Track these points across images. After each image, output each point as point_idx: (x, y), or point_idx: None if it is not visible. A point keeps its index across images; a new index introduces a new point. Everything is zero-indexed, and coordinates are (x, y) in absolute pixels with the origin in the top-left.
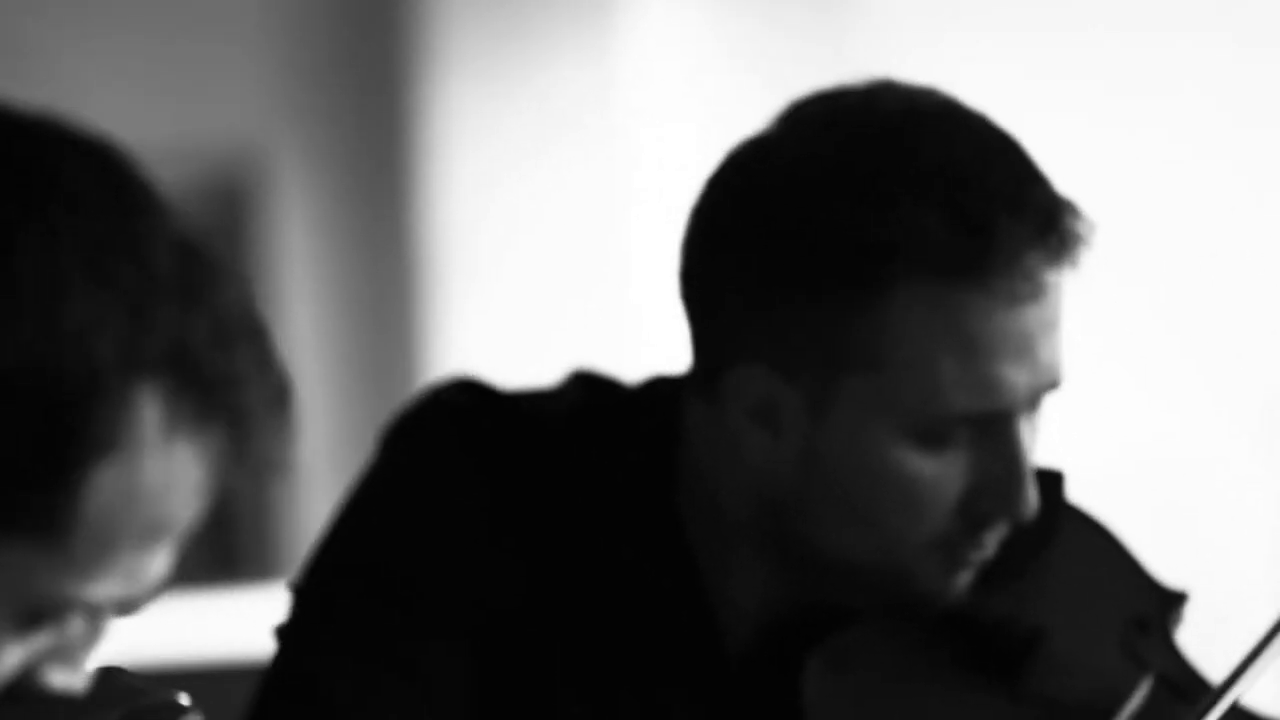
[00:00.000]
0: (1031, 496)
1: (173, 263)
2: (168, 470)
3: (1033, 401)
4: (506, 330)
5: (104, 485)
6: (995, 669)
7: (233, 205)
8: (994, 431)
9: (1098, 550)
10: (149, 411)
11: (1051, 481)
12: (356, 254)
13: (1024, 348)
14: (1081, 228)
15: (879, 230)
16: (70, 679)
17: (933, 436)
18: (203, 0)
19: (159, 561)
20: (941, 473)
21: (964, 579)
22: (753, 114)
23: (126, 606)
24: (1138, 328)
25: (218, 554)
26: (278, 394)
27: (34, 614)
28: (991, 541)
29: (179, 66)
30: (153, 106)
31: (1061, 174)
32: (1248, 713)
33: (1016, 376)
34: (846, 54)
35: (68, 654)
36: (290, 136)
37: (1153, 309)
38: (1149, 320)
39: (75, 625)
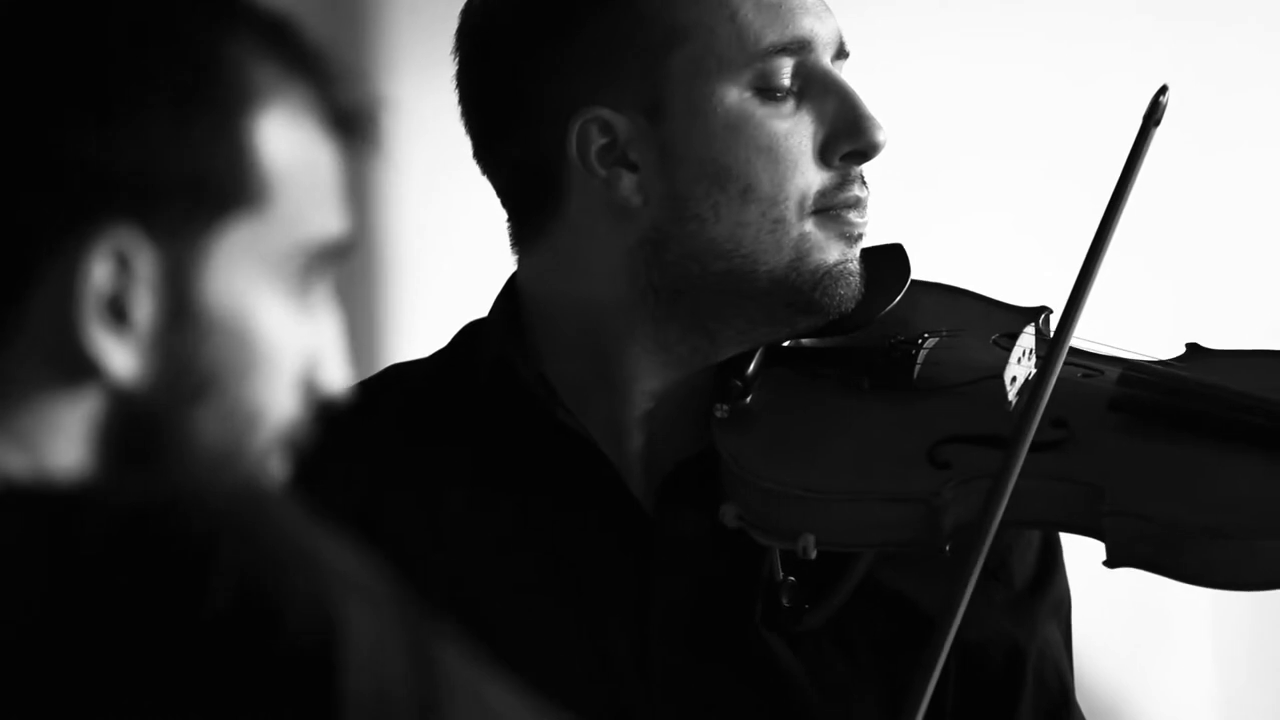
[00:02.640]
0: (875, 123)
1: None
2: (294, 124)
3: (836, 52)
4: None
5: (270, 135)
6: (885, 383)
7: None
8: (816, 78)
9: (955, 293)
10: (251, 72)
11: (896, 249)
12: None
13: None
14: None
15: None
16: (336, 375)
17: (767, 87)
18: None
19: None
20: (791, 127)
21: (850, 255)
22: None
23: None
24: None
25: None
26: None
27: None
28: (860, 195)
29: None
30: None
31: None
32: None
33: (803, 13)
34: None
35: (328, 350)
36: None
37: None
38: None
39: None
